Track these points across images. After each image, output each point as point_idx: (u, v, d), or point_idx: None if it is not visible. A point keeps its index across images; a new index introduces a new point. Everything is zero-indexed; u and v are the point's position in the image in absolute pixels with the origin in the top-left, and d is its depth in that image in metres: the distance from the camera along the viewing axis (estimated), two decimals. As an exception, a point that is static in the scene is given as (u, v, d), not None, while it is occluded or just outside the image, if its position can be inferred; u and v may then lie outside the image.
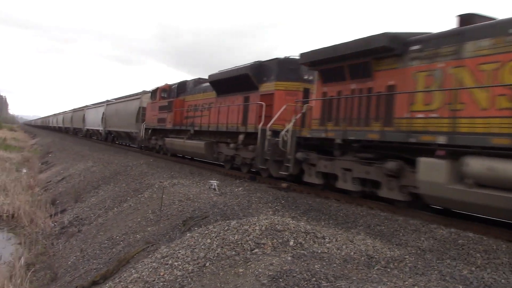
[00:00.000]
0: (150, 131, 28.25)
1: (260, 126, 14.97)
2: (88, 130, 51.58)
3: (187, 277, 6.36)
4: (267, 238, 6.91)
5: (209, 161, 21.23)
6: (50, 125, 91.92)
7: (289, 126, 13.81)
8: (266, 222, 7.40)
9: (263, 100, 15.76)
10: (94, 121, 46.71)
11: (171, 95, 24.93)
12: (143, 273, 6.99)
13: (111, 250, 10.28)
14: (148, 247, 8.98)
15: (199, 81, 23.18)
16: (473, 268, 6.36)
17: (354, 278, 5.50)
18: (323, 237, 7.20)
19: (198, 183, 14.74)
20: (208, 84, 20.75)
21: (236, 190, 13.34)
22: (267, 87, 16.01)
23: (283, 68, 15.57)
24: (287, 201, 11.69)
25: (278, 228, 7.23)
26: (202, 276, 6.25)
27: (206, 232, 7.66)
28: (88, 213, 14.73)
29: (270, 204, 11.26)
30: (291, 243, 6.84)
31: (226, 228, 7.49)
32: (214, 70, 28.72)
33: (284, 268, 5.75)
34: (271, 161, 14.46)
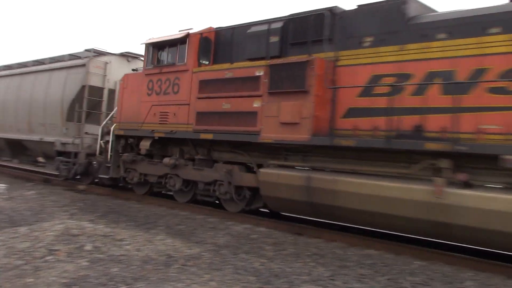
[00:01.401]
0: (150, 144, 11.60)
1: None
2: None
3: (-37, 293, 5.63)
4: (61, 244, 6.53)
5: None
6: None
7: None
8: (61, 227, 7.03)
9: None
10: None
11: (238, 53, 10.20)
12: None
13: None
14: None
15: None
16: (264, 260, 6.90)
17: (153, 278, 5.53)
18: (122, 239, 7.09)
19: (-20, 186, 13.14)
20: None
21: (27, 193, 12.29)
22: None
23: None
24: (85, 203, 11.20)
25: (74, 232, 6.92)
26: (-17, 290, 5.60)
27: (-12, 241, 6.89)
28: None
29: (66, 208, 10.63)
30: (88, 247, 6.57)
31: (13, 236, 6.88)
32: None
33: (80, 274, 5.51)
34: None
